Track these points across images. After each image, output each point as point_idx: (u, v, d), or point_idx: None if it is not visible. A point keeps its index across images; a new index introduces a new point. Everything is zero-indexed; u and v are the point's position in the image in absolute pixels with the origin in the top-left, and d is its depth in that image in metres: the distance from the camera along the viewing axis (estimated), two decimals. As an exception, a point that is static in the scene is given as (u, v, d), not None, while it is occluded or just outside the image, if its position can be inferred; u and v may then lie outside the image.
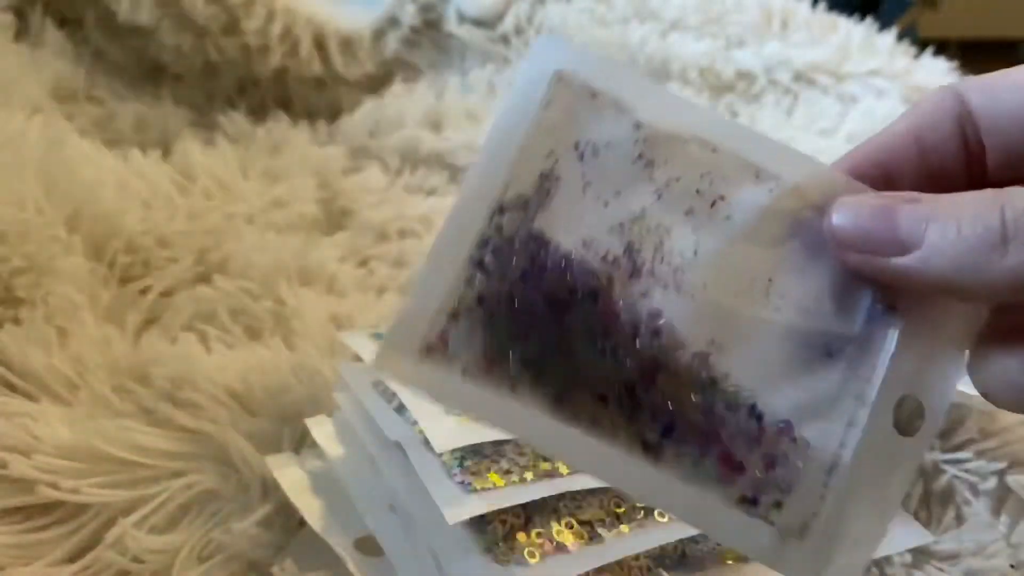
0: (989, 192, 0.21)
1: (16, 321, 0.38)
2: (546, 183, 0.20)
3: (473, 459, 0.27)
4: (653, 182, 0.21)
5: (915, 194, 0.22)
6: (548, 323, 0.20)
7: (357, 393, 0.32)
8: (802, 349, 0.21)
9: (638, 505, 0.28)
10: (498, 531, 0.26)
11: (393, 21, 0.72)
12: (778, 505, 0.20)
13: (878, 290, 0.22)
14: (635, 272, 0.20)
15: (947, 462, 0.34)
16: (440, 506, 0.25)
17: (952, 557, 0.32)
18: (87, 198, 0.44)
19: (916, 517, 0.33)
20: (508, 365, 0.19)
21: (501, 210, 0.20)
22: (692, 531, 0.28)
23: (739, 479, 0.20)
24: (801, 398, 0.21)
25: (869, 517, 0.20)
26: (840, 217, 0.23)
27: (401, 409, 0.29)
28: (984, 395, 0.22)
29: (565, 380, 0.20)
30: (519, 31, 0.71)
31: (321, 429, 0.33)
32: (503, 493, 0.26)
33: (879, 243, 0.22)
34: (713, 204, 0.21)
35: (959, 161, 0.23)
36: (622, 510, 0.27)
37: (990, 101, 0.23)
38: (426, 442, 0.27)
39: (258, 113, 0.67)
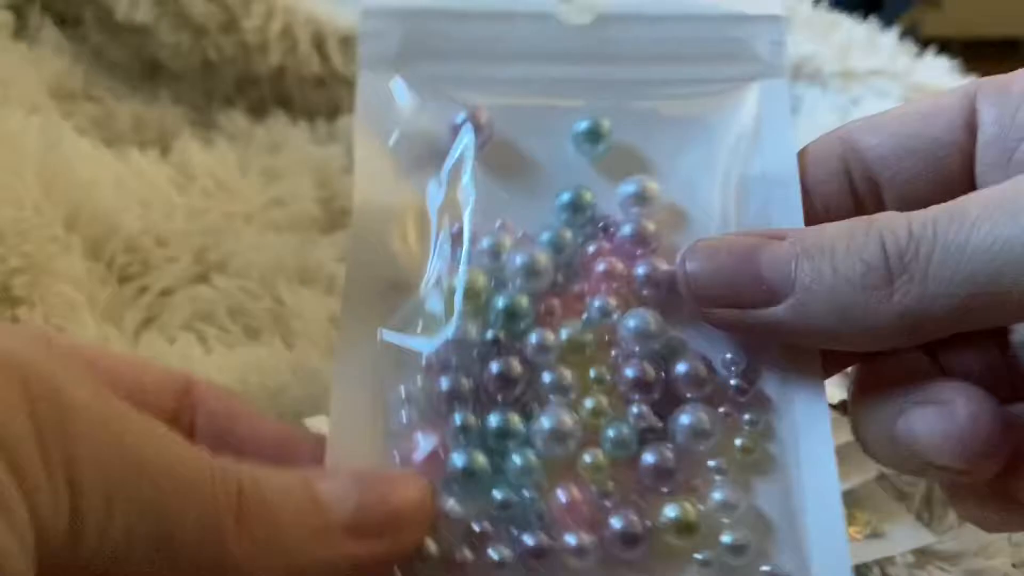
0: (860, 221, 0.18)
1: (14, 320, 0.38)
2: None
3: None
4: None
5: (780, 230, 0.19)
6: None
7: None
8: None
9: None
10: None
11: (392, 19, 0.72)
12: None
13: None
14: None
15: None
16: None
17: (954, 557, 0.32)
18: (85, 197, 0.44)
19: (918, 518, 0.33)
20: None
21: None
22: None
23: None
24: None
25: None
26: (694, 264, 0.19)
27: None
28: (866, 452, 0.19)
29: None
30: (519, 29, 0.71)
31: (319, 428, 0.33)
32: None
33: (742, 292, 0.18)
34: None
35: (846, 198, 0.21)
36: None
37: (878, 138, 0.21)
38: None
39: (257, 112, 0.67)
